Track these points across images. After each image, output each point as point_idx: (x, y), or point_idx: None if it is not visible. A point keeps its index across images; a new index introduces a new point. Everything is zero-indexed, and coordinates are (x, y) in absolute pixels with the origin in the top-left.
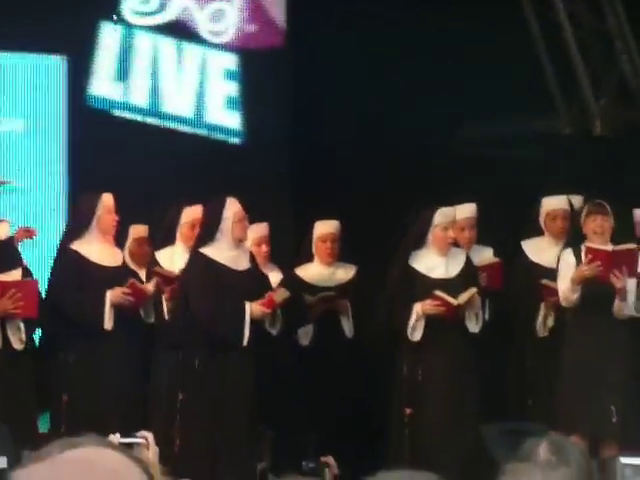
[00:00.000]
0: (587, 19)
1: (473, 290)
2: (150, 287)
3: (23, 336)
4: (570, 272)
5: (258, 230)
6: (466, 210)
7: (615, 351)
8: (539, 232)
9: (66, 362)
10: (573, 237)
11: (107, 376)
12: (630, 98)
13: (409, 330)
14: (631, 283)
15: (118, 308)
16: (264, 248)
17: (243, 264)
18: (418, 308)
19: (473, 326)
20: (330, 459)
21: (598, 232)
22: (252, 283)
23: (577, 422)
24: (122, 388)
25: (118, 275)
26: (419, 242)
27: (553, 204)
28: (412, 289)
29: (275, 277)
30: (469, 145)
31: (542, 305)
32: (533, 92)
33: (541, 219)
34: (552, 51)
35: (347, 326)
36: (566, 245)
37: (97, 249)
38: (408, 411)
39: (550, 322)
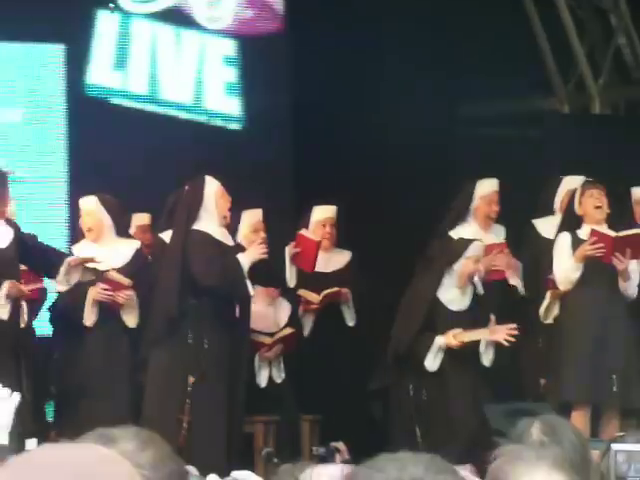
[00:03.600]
0: None
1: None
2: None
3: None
4: (568, 256)
5: (254, 216)
6: (493, 184)
7: (615, 321)
8: (551, 211)
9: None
10: (568, 221)
11: (95, 370)
12: (627, 74)
13: (428, 361)
14: (634, 264)
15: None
16: (262, 234)
17: (230, 240)
18: (442, 341)
19: (487, 360)
20: (340, 444)
21: (598, 205)
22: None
23: (577, 391)
24: (110, 381)
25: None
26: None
27: (575, 183)
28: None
29: None
30: (468, 126)
31: (548, 293)
32: (531, 71)
33: (557, 198)
34: (549, 29)
35: (349, 315)
36: (561, 229)
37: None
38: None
39: (555, 310)
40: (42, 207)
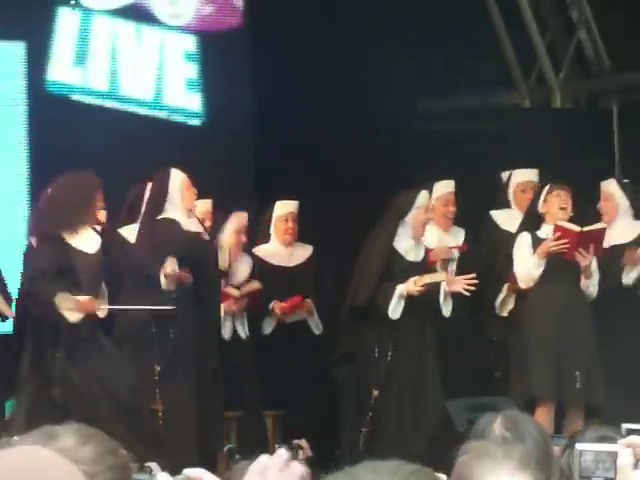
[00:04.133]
0: None
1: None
2: None
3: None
4: (529, 255)
5: (202, 205)
6: (449, 185)
7: (577, 319)
8: (507, 204)
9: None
10: (530, 218)
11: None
12: (588, 69)
13: (390, 309)
14: (594, 263)
15: None
16: (243, 238)
17: (200, 228)
18: (403, 289)
19: (447, 311)
20: (303, 442)
21: (564, 206)
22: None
23: (541, 388)
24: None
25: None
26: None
27: (524, 177)
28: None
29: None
30: (428, 120)
31: (505, 286)
32: (492, 65)
33: (510, 191)
34: (510, 23)
35: (314, 324)
36: (522, 227)
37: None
38: (375, 393)
39: (511, 304)
40: (3, 203)
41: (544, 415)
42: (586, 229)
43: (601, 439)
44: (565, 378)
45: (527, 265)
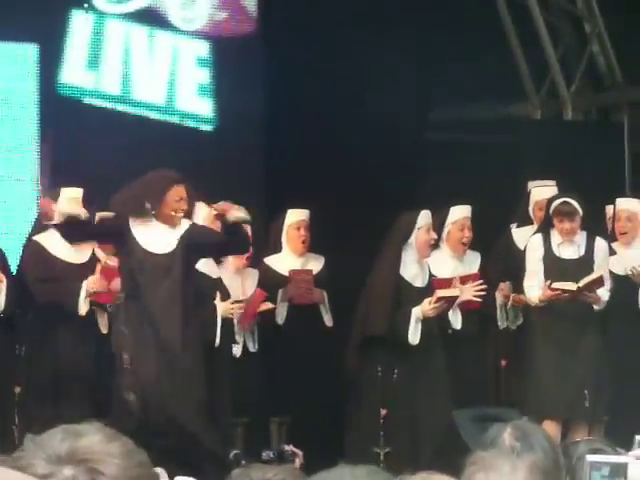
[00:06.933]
0: (557, 2)
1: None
2: None
3: None
4: (537, 268)
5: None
6: (464, 210)
7: (586, 335)
8: (528, 220)
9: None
10: (544, 223)
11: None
12: (600, 81)
13: (410, 334)
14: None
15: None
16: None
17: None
18: (418, 312)
19: (458, 323)
20: (293, 448)
21: (564, 235)
22: None
23: (551, 406)
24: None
25: (82, 272)
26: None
27: (542, 194)
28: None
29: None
30: (440, 131)
31: (511, 297)
32: (503, 76)
33: (530, 207)
34: (522, 35)
35: (326, 315)
36: (537, 230)
37: (61, 244)
38: (384, 412)
39: (519, 318)
40: (13, 205)
41: (550, 427)
42: (582, 284)
43: (594, 452)
44: (574, 396)
45: (532, 296)
